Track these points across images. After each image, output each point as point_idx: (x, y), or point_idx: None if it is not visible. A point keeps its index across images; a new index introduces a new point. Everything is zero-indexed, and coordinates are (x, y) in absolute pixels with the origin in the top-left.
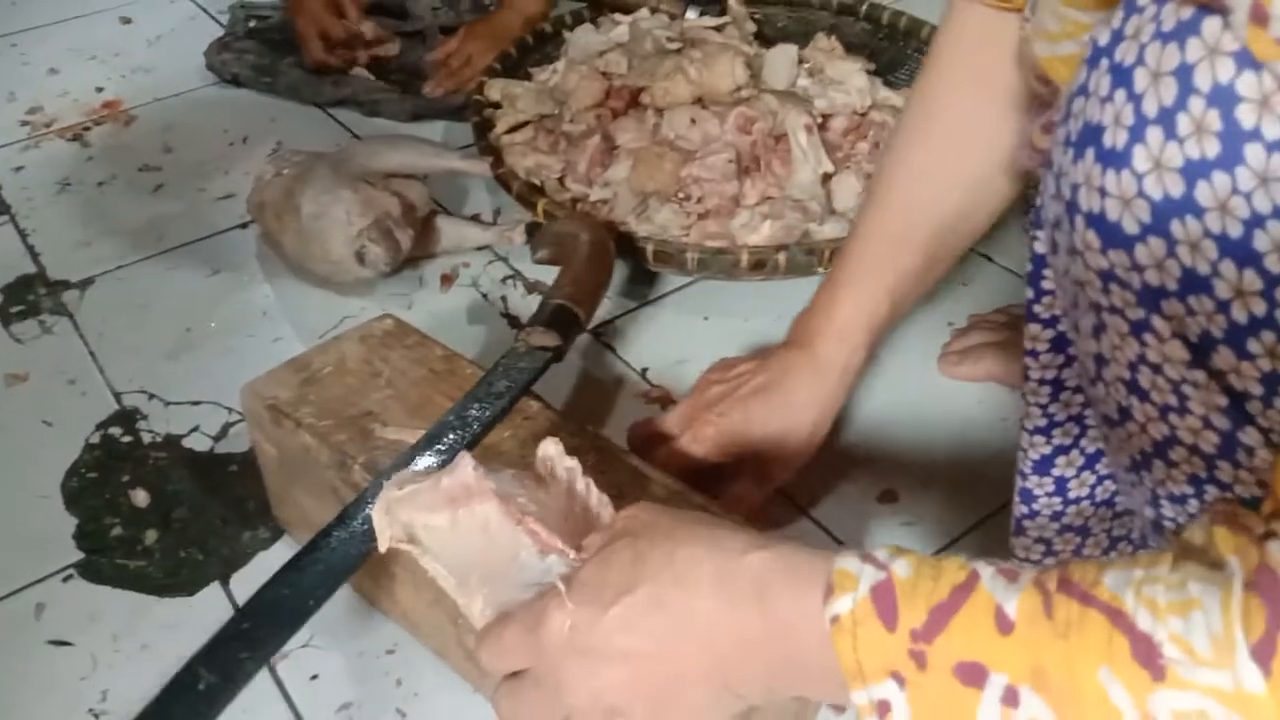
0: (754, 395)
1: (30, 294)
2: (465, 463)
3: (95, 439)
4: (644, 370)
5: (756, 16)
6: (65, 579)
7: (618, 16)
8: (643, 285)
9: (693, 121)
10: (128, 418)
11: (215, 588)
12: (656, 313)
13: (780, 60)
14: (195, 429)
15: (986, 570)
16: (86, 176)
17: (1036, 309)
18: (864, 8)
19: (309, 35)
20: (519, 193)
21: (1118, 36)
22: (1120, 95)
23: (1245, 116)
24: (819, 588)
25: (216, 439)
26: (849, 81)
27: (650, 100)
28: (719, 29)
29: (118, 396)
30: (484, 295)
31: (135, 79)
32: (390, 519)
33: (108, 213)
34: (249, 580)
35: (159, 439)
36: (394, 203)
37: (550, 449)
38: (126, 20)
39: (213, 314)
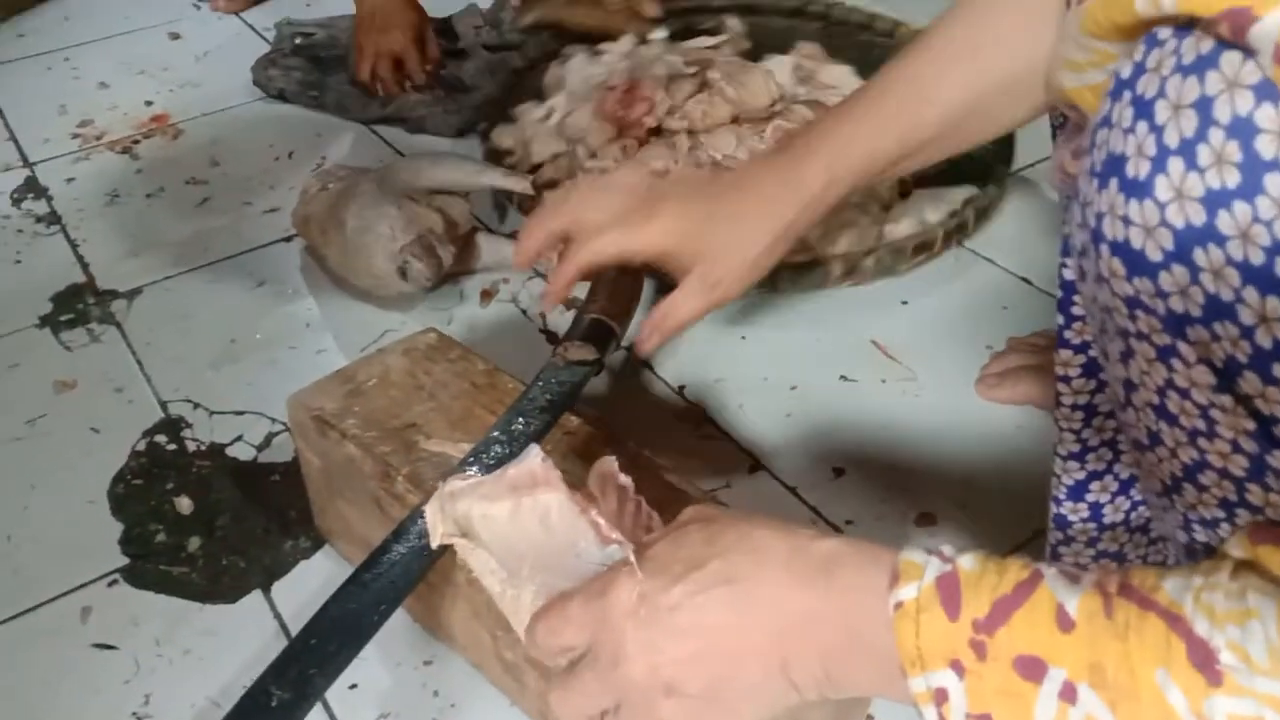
0: (718, 184)
1: (79, 303)
2: (534, 453)
3: (141, 446)
4: (680, 388)
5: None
6: (110, 584)
7: (605, 46)
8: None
9: (738, 140)
10: (173, 426)
11: (257, 595)
12: (692, 329)
13: (781, 74)
14: (239, 438)
15: (1049, 570)
16: (135, 189)
17: (1067, 335)
18: (836, 10)
19: (371, 55)
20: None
21: (1140, 69)
22: (1142, 126)
23: (1265, 147)
24: (885, 574)
25: (260, 449)
26: (843, 84)
27: (687, 123)
28: (715, 48)
29: (163, 405)
30: (523, 311)
31: (183, 94)
32: (444, 514)
33: (155, 225)
34: (290, 589)
35: (203, 448)
36: (436, 219)
37: (609, 465)
38: (175, 36)
39: (257, 325)
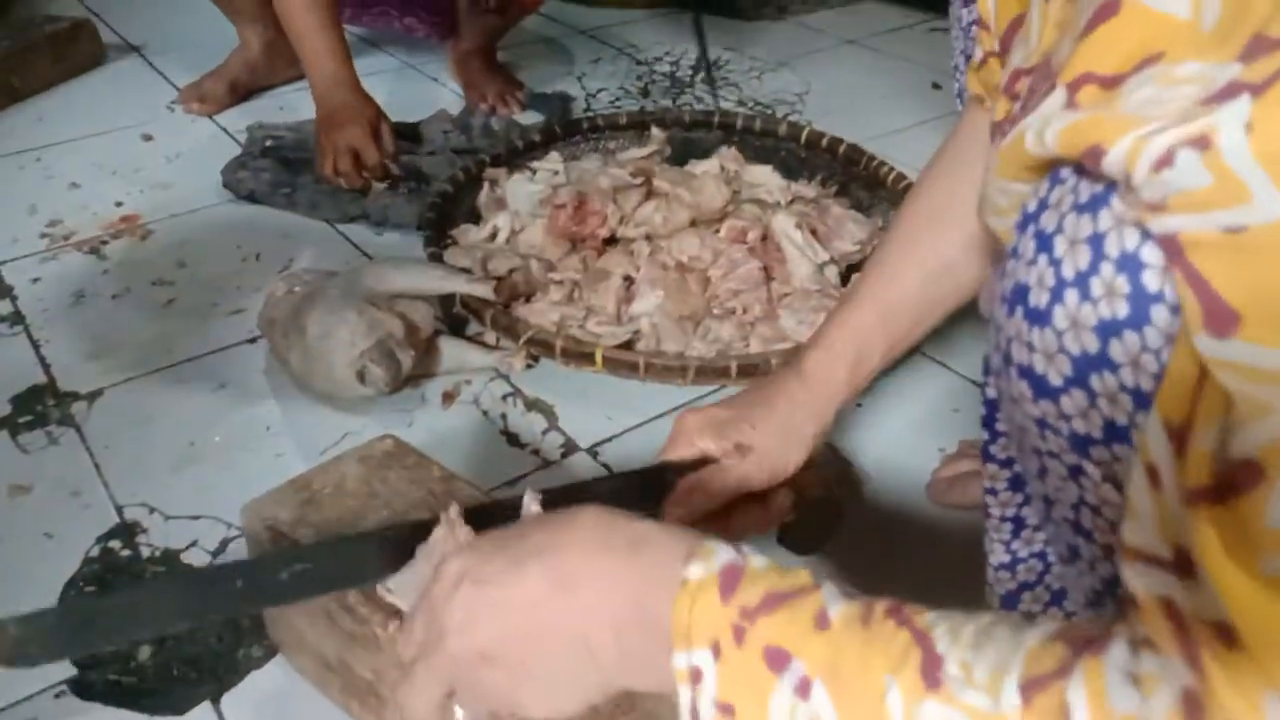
0: (749, 408)
1: (39, 404)
2: (453, 510)
3: (95, 552)
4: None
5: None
6: (57, 695)
7: (536, 164)
8: (636, 404)
9: (701, 241)
10: (128, 531)
11: (206, 707)
12: (652, 433)
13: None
14: (194, 544)
15: (831, 584)
16: (101, 289)
17: (993, 449)
18: (736, 119)
19: (331, 152)
20: (531, 340)
21: (1043, 205)
22: (1043, 259)
23: (1150, 281)
24: (684, 553)
25: (215, 554)
26: (767, 182)
27: (646, 229)
28: (648, 157)
29: (119, 510)
30: (484, 413)
31: (154, 195)
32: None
33: (120, 326)
34: (240, 699)
35: (158, 553)
36: (397, 324)
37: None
38: (148, 138)
39: (217, 428)
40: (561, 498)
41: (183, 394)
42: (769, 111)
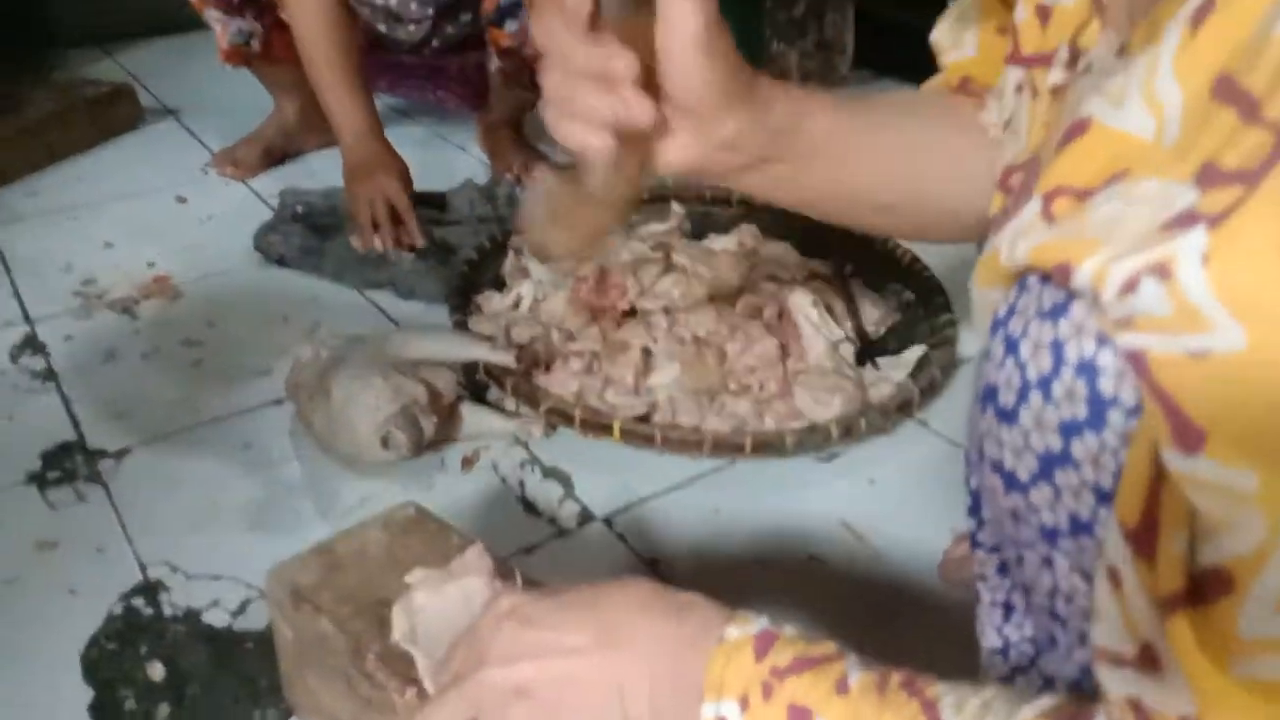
0: None
1: (68, 461)
2: (475, 546)
3: (118, 610)
4: (653, 561)
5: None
6: None
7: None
8: (652, 475)
9: (718, 316)
10: (151, 590)
11: None
12: (666, 505)
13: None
14: (215, 604)
15: (853, 654)
16: (132, 348)
17: (980, 537)
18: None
19: (364, 200)
20: (551, 409)
21: (1011, 311)
22: (1010, 362)
23: (1106, 386)
24: (724, 620)
25: (235, 615)
26: (784, 258)
27: (664, 303)
28: (668, 232)
29: (143, 567)
30: (503, 480)
31: (185, 256)
32: (404, 612)
33: (148, 385)
34: None
35: (179, 613)
36: (421, 391)
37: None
38: (182, 200)
39: (240, 489)
40: None
41: (208, 454)
42: None
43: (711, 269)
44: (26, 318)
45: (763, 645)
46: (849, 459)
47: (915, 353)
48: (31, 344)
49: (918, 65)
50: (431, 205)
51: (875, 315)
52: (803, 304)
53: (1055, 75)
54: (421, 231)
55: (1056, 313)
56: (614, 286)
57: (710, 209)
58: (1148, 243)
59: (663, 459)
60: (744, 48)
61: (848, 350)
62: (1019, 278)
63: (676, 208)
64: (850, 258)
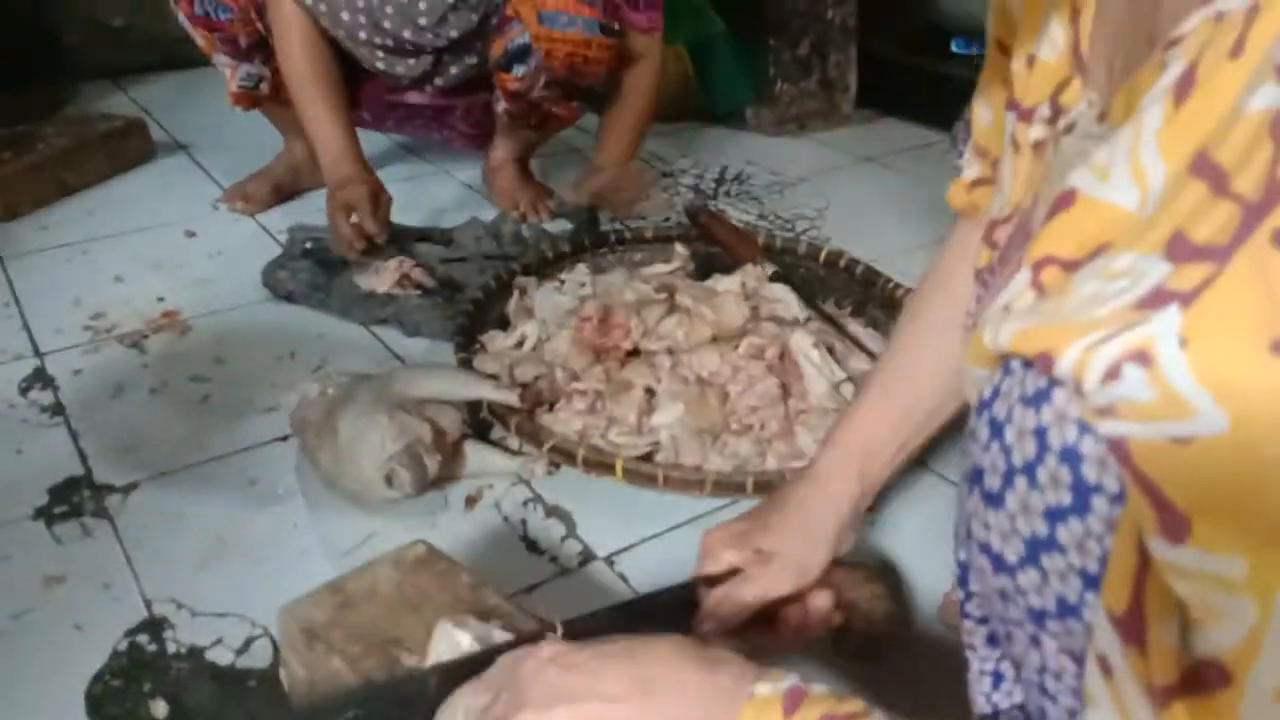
0: (766, 515)
1: (75, 496)
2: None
3: (123, 646)
4: None
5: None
6: None
7: (564, 275)
8: (654, 514)
9: (720, 357)
10: (156, 626)
11: None
12: (668, 544)
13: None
14: (219, 641)
15: (880, 712)
16: (140, 383)
17: (968, 608)
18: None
19: (340, 214)
20: (554, 448)
21: (996, 393)
22: (995, 445)
23: (1089, 472)
24: (754, 675)
25: (239, 653)
26: (785, 299)
27: (668, 344)
28: (672, 273)
29: (148, 604)
30: (505, 518)
31: (194, 290)
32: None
33: (156, 420)
34: None
35: (183, 649)
36: (426, 429)
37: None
38: (191, 234)
39: (246, 525)
40: (590, 626)
41: (214, 490)
42: (789, 225)
43: (715, 310)
44: (36, 351)
45: (791, 702)
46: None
47: None
48: (41, 377)
49: (919, 104)
50: (437, 242)
51: (877, 353)
52: (804, 345)
53: (1036, 131)
54: (425, 270)
55: (1039, 399)
56: (617, 327)
57: (713, 248)
58: (1124, 324)
59: (665, 498)
60: (748, 87)
61: (849, 390)
62: (1004, 359)
63: (680, 249)
64: (852, 299)
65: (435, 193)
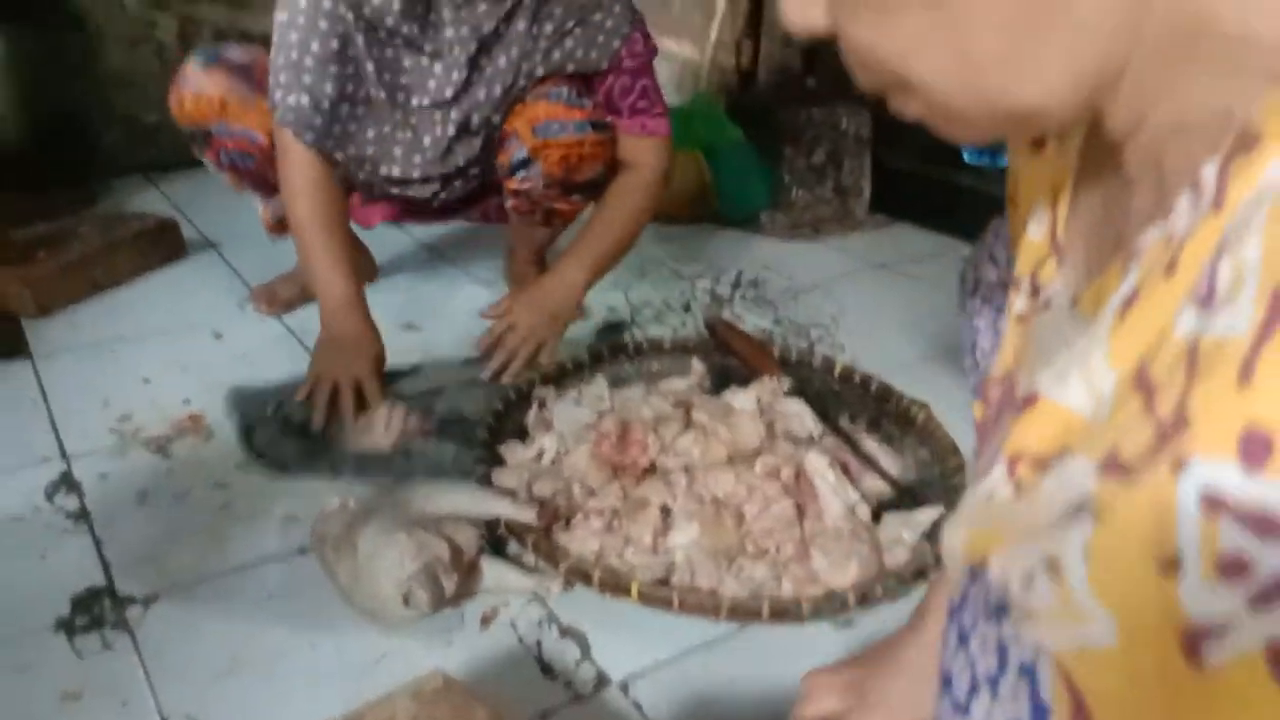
0: (874, 663)
1: (96, 607)
2: None
3: None
4: None
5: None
6: None
7: (583, 389)
8: (669, 637)
9: (736, 478)
10: None
11: None
12: (683, 669)
13: (746, 406)
14: None
15: None
16: (164, 489)
17: None
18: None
19: (328, 379)
20: (570, 568)
21: (963, 601)
22: (962, 655)
23: (1045, 692)
24: None
25: None
26: (801, 415)
27: (684, 462)
28: (689, 389)
29: None
30: (520, 639)
31: (219, 394)
32: None
33: (179, 528)
34: None
35: None
36: (444, 548)
37: None
38: (218, 336)
39: (263, 640)
40: None
41: (233, 602)
42: (804, 332)
43: (731, 430)
44: (63, 454)
45: None
46: (865, 626)
47: (930, 514)
48: (67, 481)
49: (932, 211)
50: (404, 376)
51: (892, 472)
52: (819, 466)
53: (1020, 304)
54: (422, 414)
55: (1000, 614)
56: (635, 443)
57: (729, 359)
58: (1048, 535)
59: (680, 620)
60: (763, 193)
61: (864, 511)
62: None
63: (697, 364)
64: (866, 415)
65: (456, 291)
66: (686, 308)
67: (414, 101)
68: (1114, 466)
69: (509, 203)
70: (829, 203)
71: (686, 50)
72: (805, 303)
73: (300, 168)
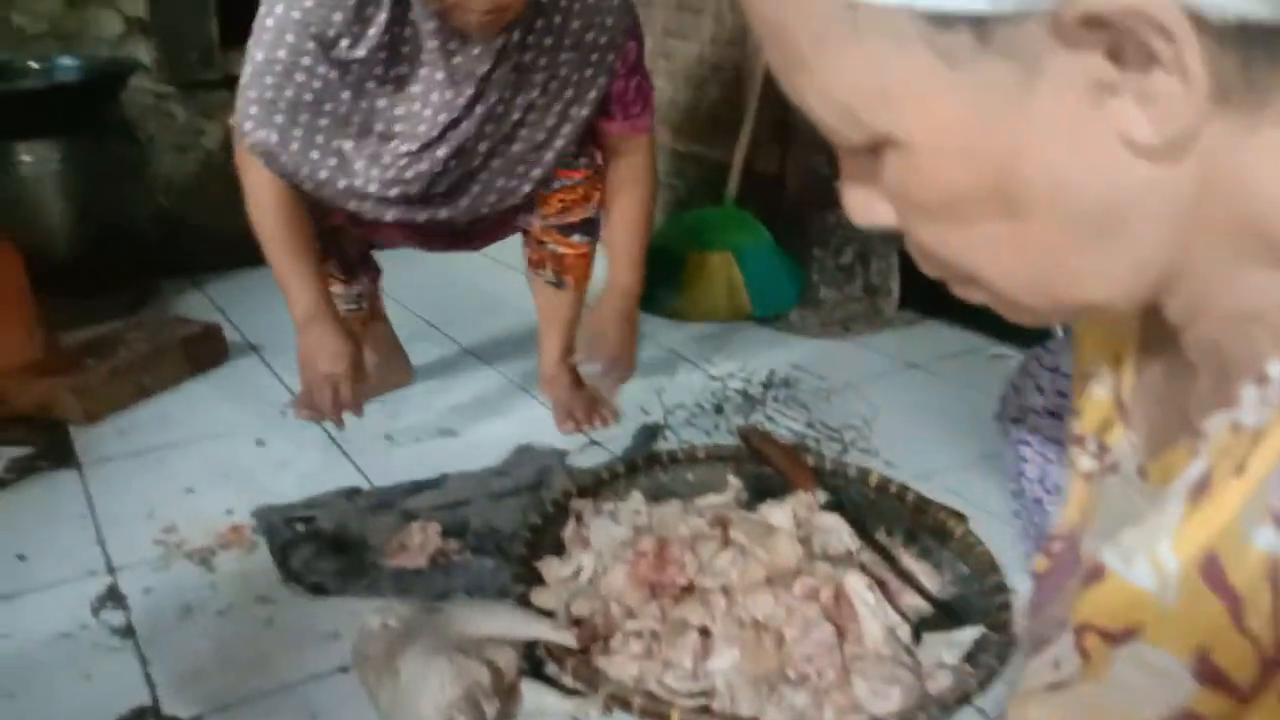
0: None
1: None
2: None
3: None
4: None
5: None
6: None
7: (618, 504)
8: None
9: (775, 599)
10: None
11: None
12: None
13: (782, 521)
14: None
15: None
16: (208, 604)
17: None
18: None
19: (311, 386)
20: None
21: None
22: None
23: None
24: None
25: None
26: (838, 530)
27: (722, 582)
28: (725, 505)
29: None
30: None
31: (261, 504)
32: None
33: (223, 644)
34: None
35: None
36: (484, 673)
37: None
38: (261, 443)
39: None
40: None
41: None
42: (837, 435)
43: (768, 550)
44: (109, 567)
45: None
46: None
47: (971, 634)
48: (113, 596)
49: (961, 307)
50: (428, 489)
51: (930, 588)
52: (859, 587)
53: (1086, 463)
54: (454, 532)
55: None
56: (673, 563)
57: (765, 468)
58: None
59: None
60: (792, 292)
61: (905, 633)
62: None
63: (733, 479)
64: (902, 527)
65: (489, 397)
66: (719, 409)
67: (396, 142)
68: (1214, 678)
69: (527, 259)
70: (858, 301)
71: (716, 153)
72: (838, 404)
73: (265, 184)
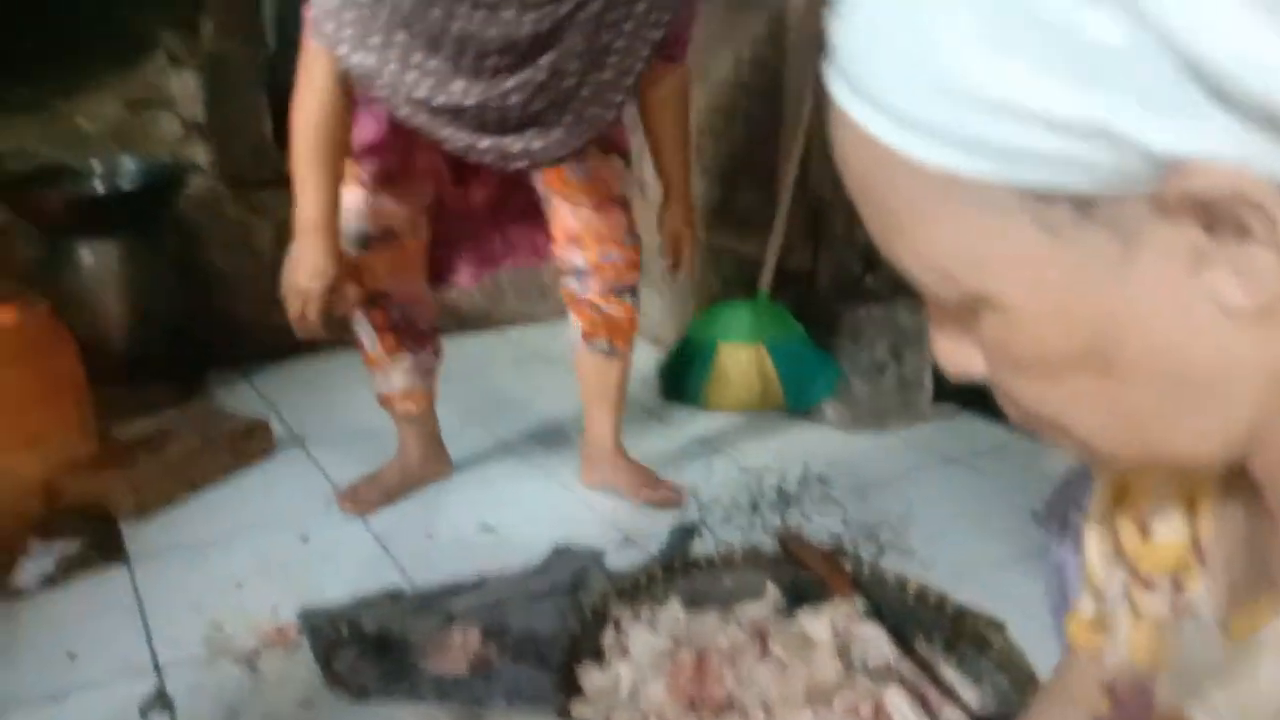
0: None
1: None
2: None
3: None
4: None
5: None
6: None
7: (658, 612)
8: None
9: (814, 716)
10: None
11: None
12: None
13: (820, 631)
14: None
15: None
16: (251, 708)
17: None
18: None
19: (291, 295)
20: None
21: None
22: None
23: None
24: None
25: None
26: (877, 640)
27: (761, 696)
28: (764, 616)
29: None
30: None
31: (305, 600)
32: None
33: None
34: None
35: None
36: None
37: None
38: (305, 539)
39: None
40: None
41: None
42: (873, 533)
43: (807, 664)
44: (156, 666)
45: None
46: None
47: None
48: (161, 698)
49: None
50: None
51: (972, 704)
52: (899, 704)
53: (1159, 606)
54: (493, 637)
55: None
56: (712, 676)
57: (804, 571)
58: None
59: None
60: (826, 386)
61: None
62: None
63: (771, 588)
64: (941, 636)
65: (529, 492)
66: (754, 507)
67: (496, 58)
68: None
69: (581, 334)
70: (892, 394)
71: (749, 249)
72: (873, 501)
73: (320, 96)
